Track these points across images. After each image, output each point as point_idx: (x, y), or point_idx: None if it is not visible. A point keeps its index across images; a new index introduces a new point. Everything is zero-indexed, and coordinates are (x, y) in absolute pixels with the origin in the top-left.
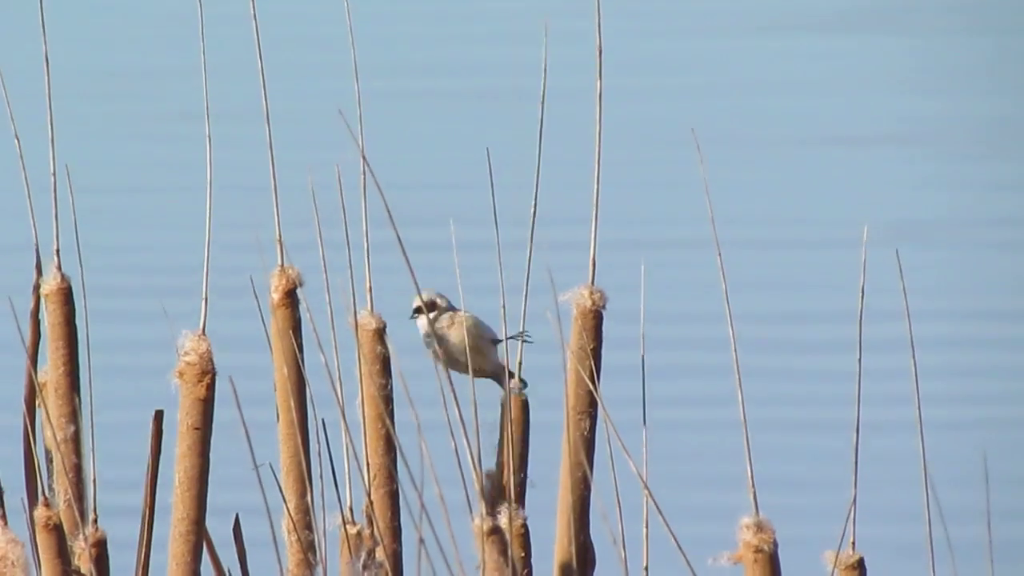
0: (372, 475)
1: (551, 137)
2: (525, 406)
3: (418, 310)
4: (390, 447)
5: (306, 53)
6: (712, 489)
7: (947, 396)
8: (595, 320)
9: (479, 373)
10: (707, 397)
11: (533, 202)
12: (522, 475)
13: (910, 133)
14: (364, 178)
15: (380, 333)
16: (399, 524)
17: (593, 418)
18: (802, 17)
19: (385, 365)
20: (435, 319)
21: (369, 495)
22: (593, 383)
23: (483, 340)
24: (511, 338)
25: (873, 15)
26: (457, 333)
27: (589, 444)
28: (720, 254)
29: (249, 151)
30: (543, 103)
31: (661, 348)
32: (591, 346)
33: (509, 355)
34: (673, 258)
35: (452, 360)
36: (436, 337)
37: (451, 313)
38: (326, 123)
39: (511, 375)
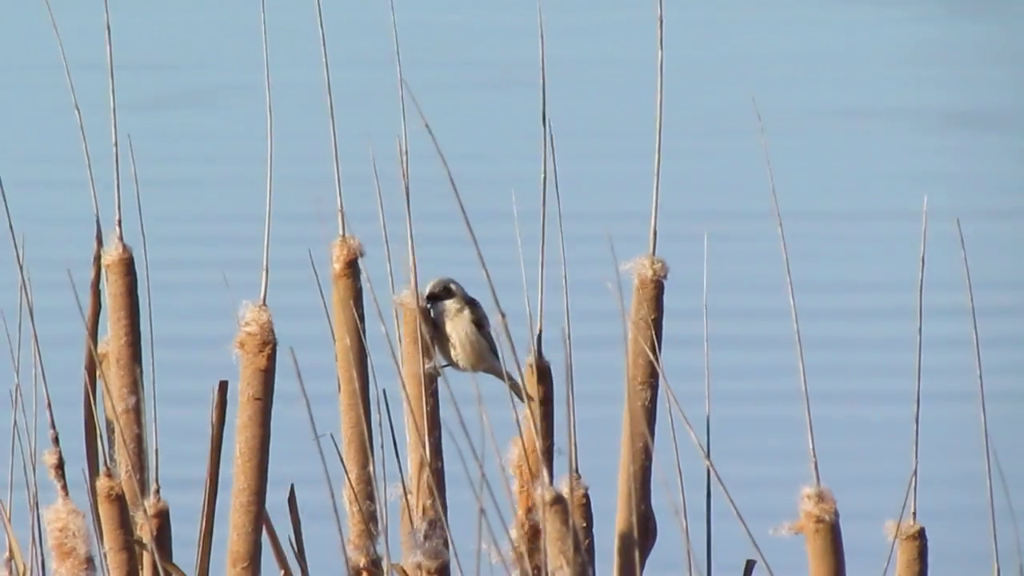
0: (425, 451)
1: (610, 110)
2: (546, 373)
3: (433, 297)
4: (436, 423)
5: (369, 27)
6: (773, 460)
7: (1008, 365)
8: (656, 290)
9: (475, 370)
10: (767, 367)
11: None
12: (549, 443)
13: (977, 111)
14: (404, 156)
15: (422, 311)
16: (444, 497)
17: (654, 389)
18: None
19: (426, 345)
20: (438, 307)
21: (431, 466)
22: (654, 354)
23: (481, 342)
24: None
25: None
26: (458, 329)
27: (650, 415)
28: (781, 224)
29: (311, 121)
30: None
31: (721, 319)
32: (652, 316)
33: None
34: (733, 230)
35: (444, 351)
36: (435, 325)
37: (458, 307)
38: (389, 95)
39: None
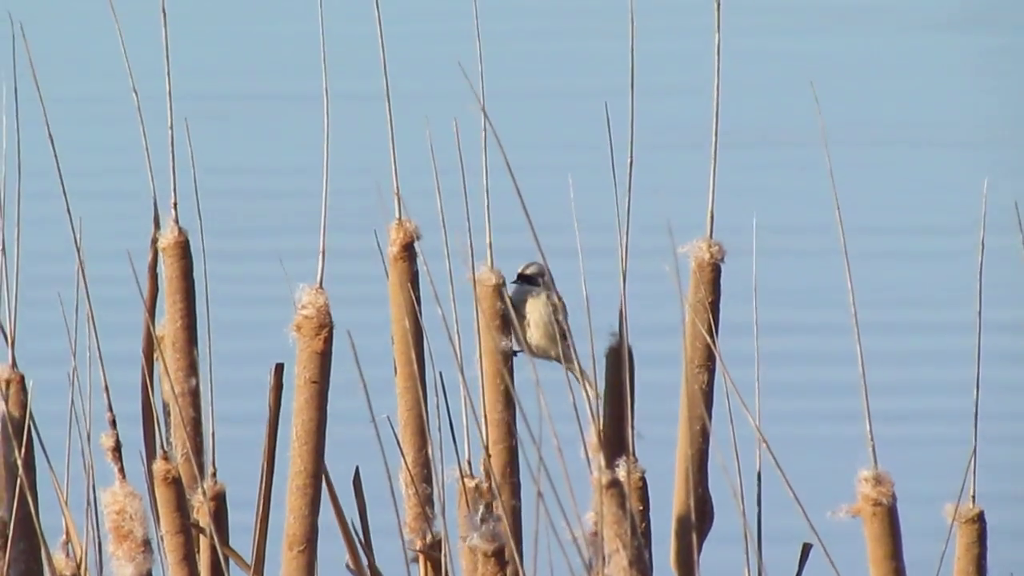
0: (490, 429)
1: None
2: (631, 356)
3: (524, 278)
4: (508, 402)
5: (424, 11)
6: (830, 443)
7: None
8: (713, 273)
9: (545, 354)
10: (825, 352)
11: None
12: (631, 427)
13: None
14: (484, 133)
15: (499, 289)
16: (518, 479)
17: (711, 372)
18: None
19: (504, 321)
20: (522, 288)
21: (487, 449)
22: (711, 337)
23: (555, 327)
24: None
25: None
26: (538, 310)
27: (707, 398)
28: (842, 222)
29: (367, 105)
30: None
31: (778, 305)
32: (709, 300)
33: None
34: (793, 216)
35: (517, 333)
36: (514, 305)
37: (541, 291)
38: (447, 77)
39: (586, 381)
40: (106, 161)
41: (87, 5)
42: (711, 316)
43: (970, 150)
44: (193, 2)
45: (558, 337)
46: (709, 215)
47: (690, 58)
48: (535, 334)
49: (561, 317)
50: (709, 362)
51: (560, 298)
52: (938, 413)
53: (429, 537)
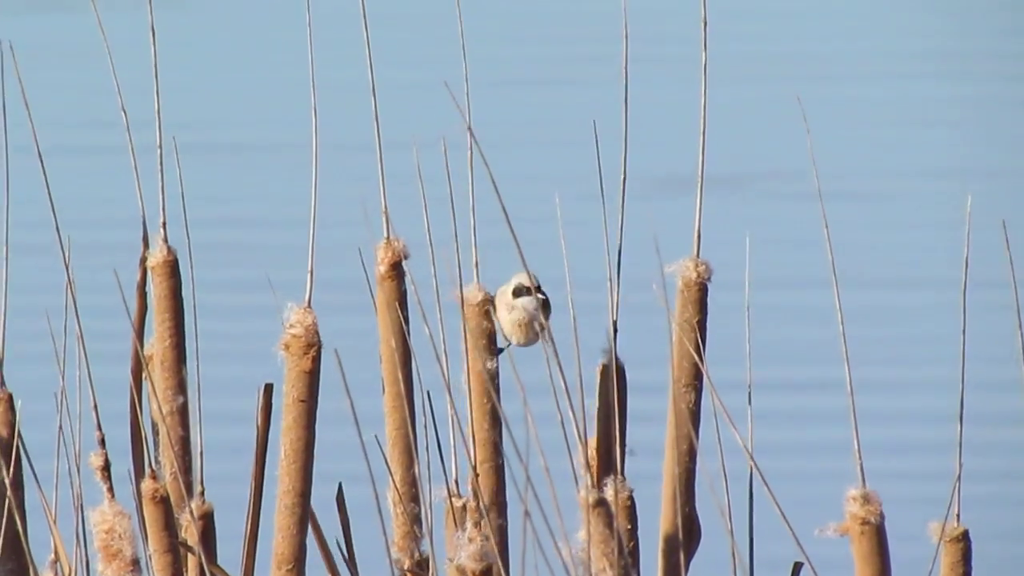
0: (477, 448)
1: (646, 105)
2: (622, 374)
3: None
4: (495, 421)
5: (412, 27)
6: (819, 457)
7: None
8: (700, 292)
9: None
10: (811, 367)
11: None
12: (623, 445)
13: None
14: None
15: (485, 306)
16: (505, 498)
17: (698, 391)
18: None
19: (491, 339)
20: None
21: (475, 468)
22: (699, 355)
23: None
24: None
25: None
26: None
27: (694, 417)
28: (827, 226)
29: (356, 124)
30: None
31: (763, 317)
32: (696, 319)
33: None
34: (778, 225)
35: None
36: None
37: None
38: (435, 97)
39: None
40: (97, 192)
41: (82, 44)
42: (698, 335)
43: (946, 199)
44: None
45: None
46: (696, 234)
47: (675, 101)
48: (519, 332)
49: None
50: (696, 381)
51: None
52: (925, 437)
53: (416, 556)
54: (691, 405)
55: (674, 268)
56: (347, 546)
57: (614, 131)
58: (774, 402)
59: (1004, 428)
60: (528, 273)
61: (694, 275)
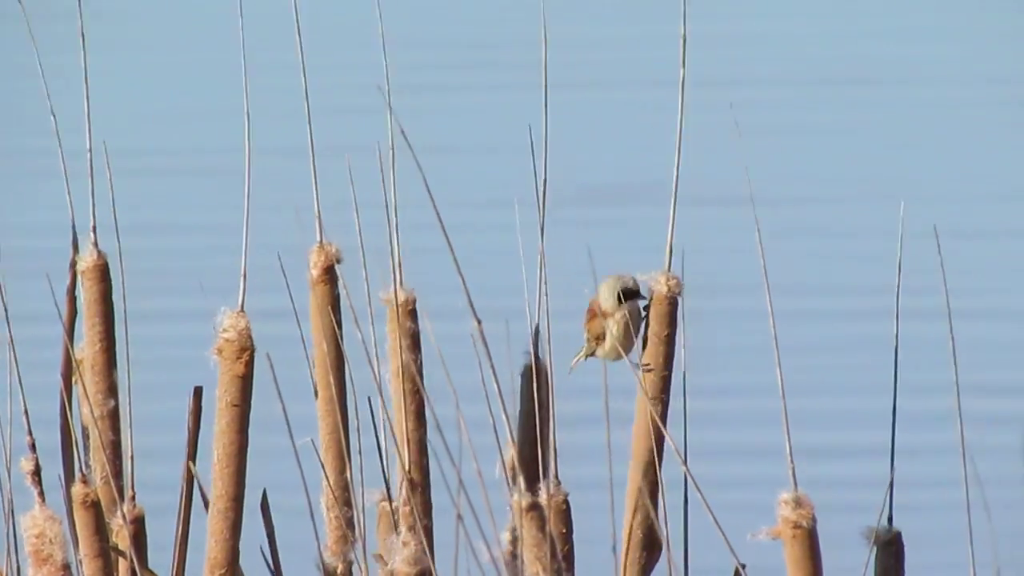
0: (409, 452)
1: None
2: (544, 377)
3: (632, 293)
4: (424, 423)
5: (347, 30)
6: (752, 461)
7: (986, 363)
8: (670, 307)
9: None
10: (745, 374)
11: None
12: (553, 448)
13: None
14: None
15: (408, 307)
16: (429, 500)
17: (665, 404)
18: None
19: (415, 340)
20: (634, 304)
21: (408, 472)
22: (668, 369)
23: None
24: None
25: None
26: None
27: (659, 430)
28: (759, 231)
29: (288, 128)
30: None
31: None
32: (665, 333)
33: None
34: (715, 235)
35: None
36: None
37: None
38: (370, 102)
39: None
40: (26, 198)
41: (11, 53)
42: (666, 349)
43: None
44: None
45: (630, 346)
46: (668, 247)
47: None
48: (609, 345)
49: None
50: (663, 394)
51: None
52: (859, 440)
53: (349, 560)
54: (658, 418)
55: (647, 279)
56: (272, 553)
57: (557, 139)
58: (709, 407)
59: (942, 431)
60: (618, 278)
61: (665, 289)
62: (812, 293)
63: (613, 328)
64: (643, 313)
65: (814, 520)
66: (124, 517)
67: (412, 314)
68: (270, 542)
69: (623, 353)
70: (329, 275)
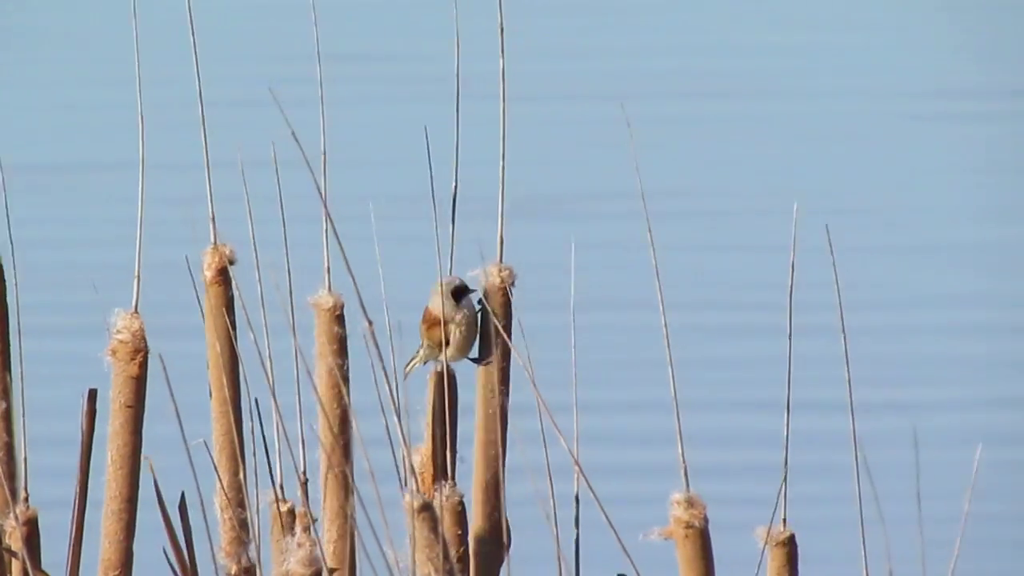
0: (320, 454)
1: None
2: (452, 381)
3: (461, 291)
4: (346, 425)
5: (242, 34)
6: (645, 465)
7: (880, 378)
8: (503, 297)
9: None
10: (639, 374)
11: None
12: (452, 451)
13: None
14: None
15: (335, 312)
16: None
17: (505, 395)
18: None
19: (342, 345)
20: (467, 300)
21: (304, 473)
22: (506, 360)
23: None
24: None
25: None
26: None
27: (502, 422)
28: (652, 240)
29: (183, 129)
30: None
31: (591, 328)
32: (501, 324)
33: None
34: (603, 237)
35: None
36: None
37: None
38: (266, 105)
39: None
40: None
41: None
42: (503, 339)
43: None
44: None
45: (471, 345)
46: (499, 240)
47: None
48: (454, 347)
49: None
50: (503, 385)
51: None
52: (752, 438)
53: (244, 561)
54: (497, 411)
55: (477, 273)
56: (189, 554)
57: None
58: (599, 421)
59: (834, 419)
60: (447, 282)
61: (497, 280)
62: (705, 307)
63: (456, 333)
64: (478, 307)
65: (706, 520)
66: (16, 519)
67: (339, 319)
68: (187, 543)
69: (465, 353)
70: (223, 276)
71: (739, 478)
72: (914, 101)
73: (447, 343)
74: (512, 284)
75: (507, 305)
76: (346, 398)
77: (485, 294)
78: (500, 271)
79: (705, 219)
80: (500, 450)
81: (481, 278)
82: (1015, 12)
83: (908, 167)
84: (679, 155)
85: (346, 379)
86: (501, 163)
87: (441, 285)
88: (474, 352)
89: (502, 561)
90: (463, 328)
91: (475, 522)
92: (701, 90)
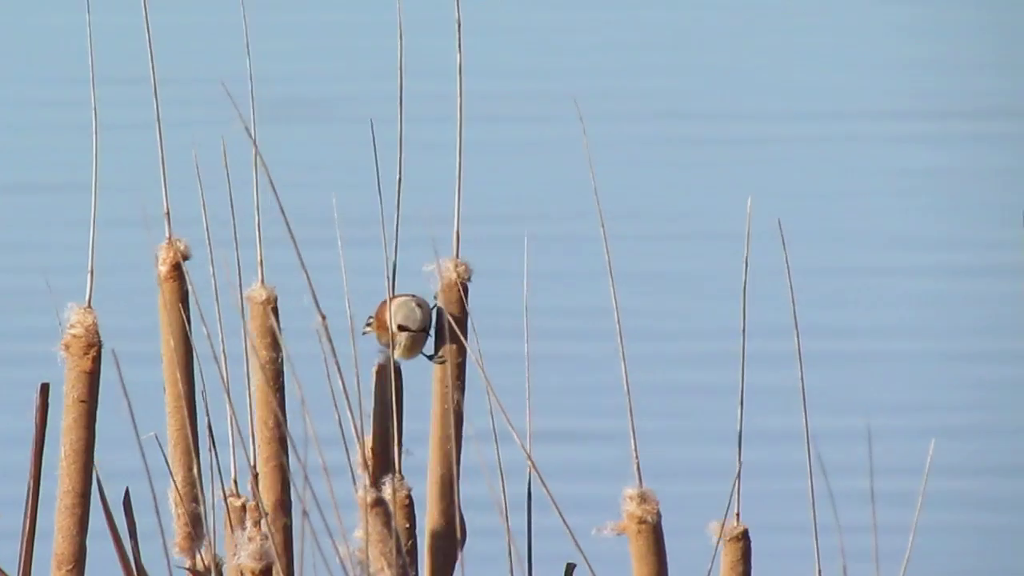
0: (257, 448)
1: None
2: (399, 374)
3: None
4: (279, 420)
5: (194, 23)
6: (600, 462)
7: (833, 381)
8: (460, 292)
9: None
10: (592, 369)
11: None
12: (398, 445)
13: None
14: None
15: (269, 305)
16: (288, 497)
17: (461, 391)
18: None
19: (274, 338)
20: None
21: (255, 468)
22: (462, 356)
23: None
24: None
25: None
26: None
27: (458, 417)
28: (607, 241)
29: (137, 123)
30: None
31: (543, 314)
32: (456, 319)
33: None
34: (559, 242)
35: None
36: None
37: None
38: (215, 98)
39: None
40: None
41: None
42: (460, 333)
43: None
44: None
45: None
46: (455, 235)
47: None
48: (401, 348)
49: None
50: (460, 381)
51: (425, 302)
52: (705, 434)
53: (198, 557)
54: (455, 406)
55: (433, 268)
56: (134, 551)
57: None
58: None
59: (789, 416)
60: (403, 304)
61: (454, 275)
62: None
63: (405, 340)
64: (435, 301)
65: (659, 515)
66: None
67: (274, 312)
68: (132, 539)
69: (414, 355)
70: (177, 271)
71: (694, 477)
72: (859, 121)
73: (393, 347)
74: (468, 279)
75: (463, 301)
76: (270, 392)
77: (438, 292)
78: (456, 266)
79: (656, 243)
80: (455, 446)
81: (436, 272)
82: (966, 32)
83: (852, 188)
84: (634, 177)
85: (280, 372)
86: (458, 160)
87: (390, 304)
88: (429, 348)
89: (456, 558)
90: (404, 346)
91: (430, 517)
92: (640, 111)
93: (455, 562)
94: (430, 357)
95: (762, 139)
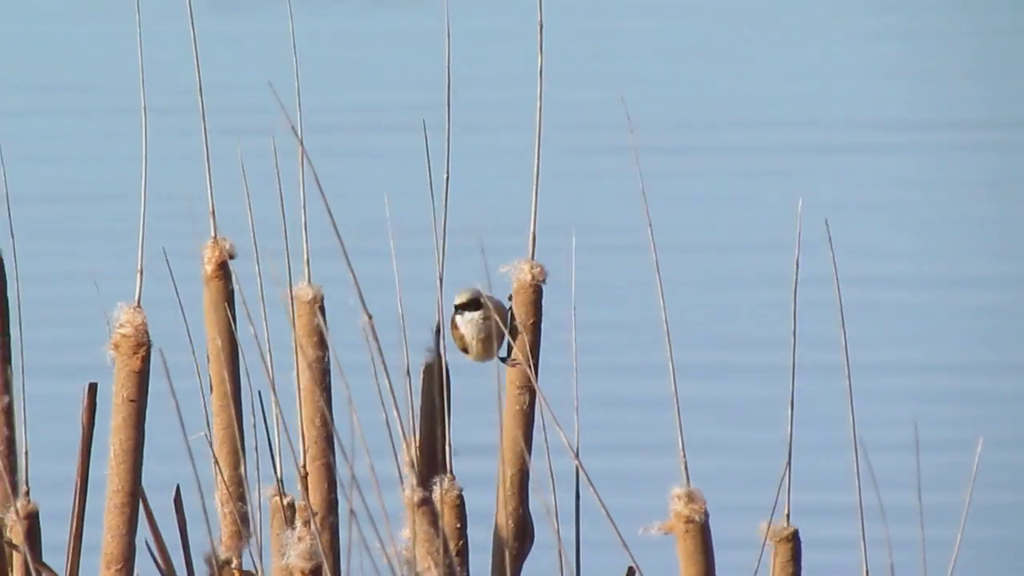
0: (306, 447)
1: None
2: (446, 374)
3: (462, 308)
4: (324, 419)
5: (241, 26)
6: (647, 459)
7: (879, 364)
8: (534, 294)
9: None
10: (640, 368)
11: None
12: (448, 444)
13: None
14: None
15: (316, 304)
16: (335, 496)
17: (532, 392)
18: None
19: (321, 337)
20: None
21: (304, 467)
22: (535, 357)
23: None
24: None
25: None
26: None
27: (528, 419)
28: (652, 233)
29: (184, 122)
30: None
31: (594, 327)
32: (530, 320)
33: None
34: (610, 246)
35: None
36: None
37: (470, 316)
38: (264, 97)
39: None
40: None
41: None
42: (532, 337)
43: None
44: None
45: (495, 345)
46: (531, 237)
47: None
48: (474, 352)
49: (496, 322)
50: (529, 383)
51: (500, 304)
52: (760, 421)
53: (245, 555)
54: (525, 407)
55: (508, 269)
56: (184, 549)
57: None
58: (604, 396)
59: (838, 430)
60: (466, 290)
61: (529, 277)
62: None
63: (474, 343)
64: (509, 304)
65: (706, 515)
66: (18, 512)
67: (320, 311)
68: (182, 537)
69: (487, 357)
70: (223, 270)
71: (740, 487)
72: (832, 131)
73: (465, 351)
74: (543, 281)
75: (538, 302)
76: (318, 393)
77: (512, 294)
78: (532, 268)
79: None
80: (524, 447)
81: (512, 274)
82: (946, 42)
83: (830, 199)
84: (618, 192)
85: (326, 372)
86: (536, 165)
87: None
88: (503, 351)
89: (526, 555)
90: (475, 340)
91: (499, 517)
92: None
93: (522, 562)
94: (503, 359)
95: (765, 148)
